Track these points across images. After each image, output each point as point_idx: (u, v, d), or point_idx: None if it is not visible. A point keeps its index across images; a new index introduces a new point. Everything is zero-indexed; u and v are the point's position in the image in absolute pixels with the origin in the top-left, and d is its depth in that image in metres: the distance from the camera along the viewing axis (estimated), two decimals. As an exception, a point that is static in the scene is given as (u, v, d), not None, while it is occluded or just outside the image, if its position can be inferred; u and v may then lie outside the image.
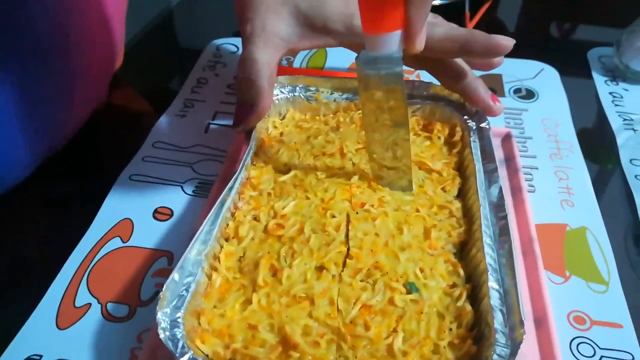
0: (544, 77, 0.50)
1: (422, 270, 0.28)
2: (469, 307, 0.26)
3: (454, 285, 0.27)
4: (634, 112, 0.46)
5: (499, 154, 0.40)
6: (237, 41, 0.54)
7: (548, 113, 0.46)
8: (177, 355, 0.23)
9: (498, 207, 0.30)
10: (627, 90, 0.48)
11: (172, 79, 0.51)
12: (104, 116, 0.46)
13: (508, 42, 0.32)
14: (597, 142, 0.44)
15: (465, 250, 0.29)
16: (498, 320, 0.24)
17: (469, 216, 0.31)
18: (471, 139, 0.35)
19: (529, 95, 0.48)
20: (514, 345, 0.23)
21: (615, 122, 0.45)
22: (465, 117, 0.36)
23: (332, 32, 0.34)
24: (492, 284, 0.26)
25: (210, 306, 0.27)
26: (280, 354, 0.25)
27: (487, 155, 0.33)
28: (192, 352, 0.23)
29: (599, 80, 0.50)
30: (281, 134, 0.38)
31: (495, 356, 0.23)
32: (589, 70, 0.51)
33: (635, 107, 0.46)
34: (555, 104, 0.47)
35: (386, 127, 0.30)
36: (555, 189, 0.39)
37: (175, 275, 0.26)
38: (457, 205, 0.32)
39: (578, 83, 0.50)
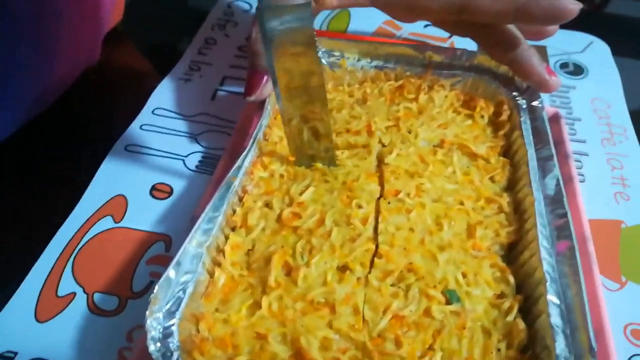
0: (593, 51, 0.45)
1: (464, 276, 0.23)
2: (521, 324, 0.22)
3: (502, 295, 0.23)
4: (697, 95, 0.40)
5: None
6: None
7: (598, 92, 0.40)
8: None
9: (555, 202, 0.25)
10: (688, 69, 0.43)
11: (178, 38, 0.46)
12: (98, 77, 0.41)
13: (575, 6, 0.27)
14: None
15: (514, 252, 0.25)
16: (560, 345, 0.20)
17: (519, 212, 0.26)
18: (521, 119, 0.30)
19: (577, 71, 0.42)
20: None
21: (675, 105, 0.39)
22: (514, 93, 0.31)
23: None
24: (552, 297, 0.21)
25: (212, 310, 0.22)
26: (294, 371, 0.21)
27: (541, 139, 0.28)
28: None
29: (655, 56, 0.44)
30: (298, 105, 0.33)
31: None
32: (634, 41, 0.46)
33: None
34: (607, 83, 0.41)
35: (301, 99, 0.25)
36: (608, 179, 0.34)
37: (170, 272, 0.22)
38: (507, 199, 0.27)
39: (632, 60, 0.44)
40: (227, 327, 0.22)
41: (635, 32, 0.48)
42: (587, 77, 0.42)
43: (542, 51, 0.44)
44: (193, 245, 0.23)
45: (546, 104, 0.38)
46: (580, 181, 0.34)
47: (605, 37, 0.46)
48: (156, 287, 0.21)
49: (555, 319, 0.21)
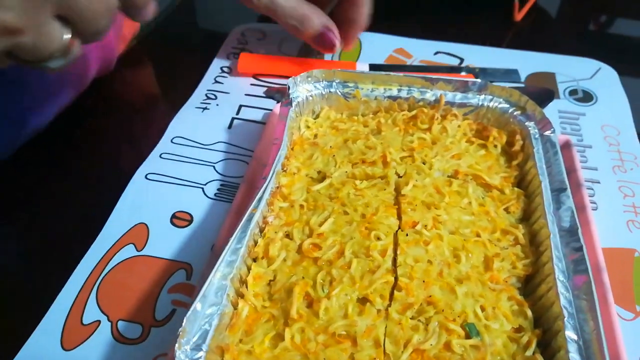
0: (601, 77, 0.45)
1: (482, 309, 0.24)
2: (541, 359, 0.22)
3: (520, 329, 0.24)
4: None
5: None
6: (263, 27, 0.50)
7: (608, 119, 0.41)
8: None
9: (571, 235, 0.26)
10: (696, 95, 0.44)
11: (193, 66, 0.47)
12: (116, 105, 0.42)
13: None
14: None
15: (531, 285, 0.25)
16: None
17: (535, 244, 0.27)
18: (534, 149, 0.30)
19: (587, 97, 0.43)
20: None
21: (683, 131, 0.40)
22: (527, 123, 0.32)
23: None
24: (570, 333, 0.22)
25: (236, 341, 0.23)
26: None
27: (555, 169, 0.29)
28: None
29: (663, 82, 0.45)
30: (315, 135, 0.34)
31: None
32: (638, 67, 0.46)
33: None
34: (616, 109, 0.42)
35: None
36: (620, 207, 0.34)
37: (197, 305, 0.22)
38: (522, 230, 0.27)
39: (629, 82, 0.45)
40: (251, 359, 0.22)
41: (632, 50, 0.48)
42: (597, 103, 0.43)
43: (551, 78, 0.45)
44: (217, 277, 0.24)
45: (557, 130, 0.39)
46: (593, 209, 0.34)
47: (612, 60, 0.46)
48: (184, 321, 0.21)
49: (574, 355, 0.21)
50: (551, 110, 0.41)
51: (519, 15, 0.52)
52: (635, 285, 0.30)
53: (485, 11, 0.53)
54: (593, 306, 0.22)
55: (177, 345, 0.21)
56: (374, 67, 0.44)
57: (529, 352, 0.22)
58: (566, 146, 0.37)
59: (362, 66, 0.44)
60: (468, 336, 0.23)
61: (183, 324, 0.21)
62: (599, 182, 0.36)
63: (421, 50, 0.47)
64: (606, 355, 0.21)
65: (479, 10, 0.53)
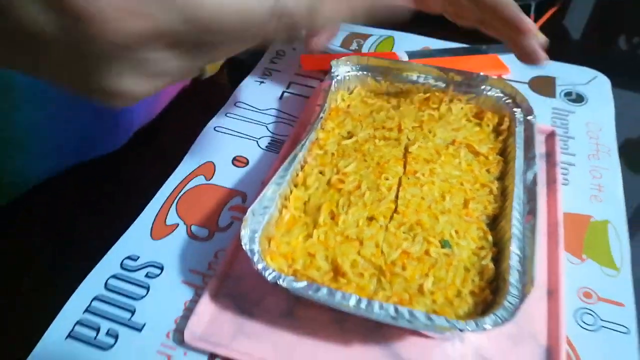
0: (596, 84, 0.53)
1: (456, 232, 0.33)
2: (491, 266, 0.31)
3: (482, 248, 0.33)
4: (677, 127, 0.48)
5: (541, 148, 0.44)
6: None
7: (593, 117, 0.49)
8: (255, 262, 0.29)
9: (530, 191, 0.34)
10: (675, 105, 0.51)
11: (255, 49, 0.57)
12: (195, 80, 0.53)
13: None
14: (635, 149, 0.47)
15: (496, 222, 0.34)
16: (514, 277, 0.29)
17: (504, 195, 0.36)
18: (517, 129, 0.39)
19: (579, 99, 0.51)
20: (523, 296, 0.28)
21: (657, 133, 0.48)
22: (514, 109, 0.41)
23: None
24: (514, 249, 0.31)
25: (279, 235, 0.33)
26: (332, 278, 0.31)
27: (529, 144, 0.38)
28: (265, 263, 0.30)
29: (650, 93, 0.53)
30: (348, 106, 0.43)
31: (506, 303, 0.28)
32: (635, 79, 0.54)
33: (680, 122, 0.49)
34: (602, 110, 0.50)
35: None
36: (588, 185, 0.43)
37: (255, 205, 0.32)
38: (496, 185, 0.36)
39: (630, 95, 0.53)
40: (289, 247, 0.32)
41: (634, 68, 0.56)
42: (586, 104, 0.51)
43: (550, 81, 0.53)
44: (270, 191, 0.33)
45: (547, 124, 0.48)
46: (565, 184, 0.42)
47: (610, 72, 0.54)
48: (247, 212, 0.31)
49: (514, 262, 0.30)
50: (546, 106, 0.50)
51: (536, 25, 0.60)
52: (585, 241, 0.38)
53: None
54: (533, 237, 0.31)
55: (242, 225, 0.31)
56: (411, 55, 0.53)
57: (484, 262, 0.31)
58: (551, 135, 0.46)
59: (401, 54, 0.54)
60: (443, 247, 0.32)
61: (246, 214, 0.31)
62: (574, 165, 0.44)
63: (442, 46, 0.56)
64: (534, 266, 0.29)
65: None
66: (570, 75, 0.54)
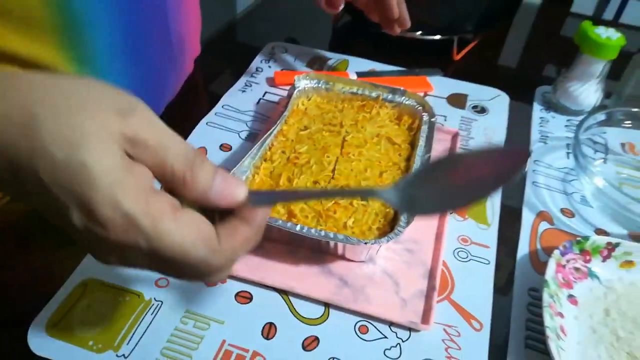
0: (498, 100, 0.70)
1: (372, 191, 0.49)
2: (392, 212, 0.47)
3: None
4: (551, 132, 0.66)
5: (446, 144, 0.61)
6: (287, 45, 0.77)
7: (491, 124, 0.66)
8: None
9: (425, 163, 0.51)
10: (554, 117, 0.68)
11: (239, 66, 0.73)
12: (193, 86, 0.68)
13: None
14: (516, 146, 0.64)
15: (400, 186, 0.50)
16: (404, 218, 0.45)
17: (408, 169, 0.52)
18: (423, 127, 0.55)
19: (482, 110, 0.68)
20: (409, 223, 0.44)
21: (534, 136, 0.65)
22: (424, 114, 0.57)
23: None
24: (407, 200, 0.47)
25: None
26: (286, 219, 0.46)
27: (429, 137, 0.54)
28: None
29: (536, 108, 0.70)
30: (306, 109, 0.59)
31: (397, 229, 0.44)
32: (532, 101, 0.71)
33: (554, 129, 0.66)
34: (498, 119, 0.67)
35: None
36: (478, 171, 0.59)
37: (235, 169, 0.47)
38: (404, 163, 0.53)
39: (521, 108, 0.70)
40: (258, 199, 0.48)
41: (532, 91, 0.73)
42: (487, 114, 0.67)
43: (463, 98, 0.70)
44: (246, 162, 0.49)
45: (455, 127, 0.64)
46: (461, 169, 0.59)
47: (509, 90, 0.71)
48: (230, 173, 0.47)
49: (407, 208, 0.46)
50: (457, 115, 0.66)
51: (457, 56, 0.78)
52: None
53: (437, 52, 0.79)
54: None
55: (226, 181, 0.46)
56: (359, 74, 0.70)
57: (388, 210, 0.47)
58: (455, 135, 0.62)
59: (352, 74, 0.70)
60: (362, 201, 0.48)
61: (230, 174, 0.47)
62: (470, 157, 0.61)
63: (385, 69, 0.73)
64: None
65: (435, 51, 0.79)
66: (479, 93, 0.71)
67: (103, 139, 0.25)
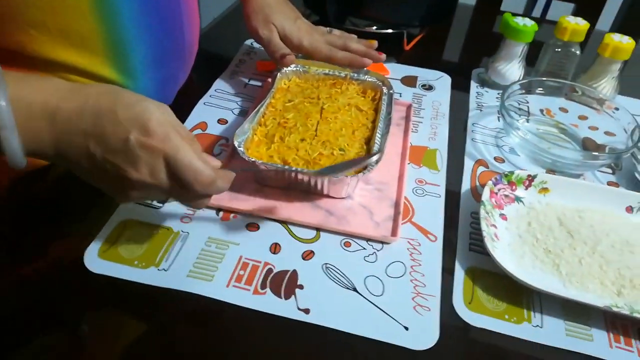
0: (442, 80, 0.85)
1: (348, 145, 0.62)
2: (365, 155, 0.60)
3: (360, 151, 0.62)
4: (485, 102, 0.81)
5: (402, 113, 0.75)
6: (264, 41, 0.89)
7: (437, 98, 0.81)
8: (242, 152, 0.56)
9: (386, 125, 0.64)
10: (487, 92, 0.84)
11: (226, 58, 0.86)
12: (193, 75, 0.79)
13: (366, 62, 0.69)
14: (458, 114, 0.78)
15: (370, 140, 0.64)
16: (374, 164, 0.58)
17: (374, 128, 0.65)
18: (384, 97, 0.69)
19: (430, 88, 0.83)
20: (379, 160, 0.57)
21: (472, 105, 0.80)
22: (384, 88, 0.71)
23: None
24: (375, 149, 0.60)
25: (253, 146, 0.60)
26: (288, 166, 0.58)
27: (389, 105, 0.68)
28: (247, 156, 0.57)
29: (473, 85, 0.85)
30: (288, 87, 0.72)
31: (365, 171, 0.57)
32: (469, 80, 0.87)
33: (487, 100, 0.81)
34: (442, 94, 0.82)
35: None
36: (428, 132, 0.73)
37: (238, 130, 0.59)
38: (370, 125, 0.66)
39: (461, 86, 0.85)
40: (258, 153, 0.60)
41: (469, 72, 0.89)
42: (434, 91, 0.82)
43: (414, 79, 0.85)
44: (246, 125, 0.61)
45: (409, 100, 0.79)
46: (415, 132, 0.73)
47: (451, 72, 0.87)
48: (236, 132, 0.58)
49: (374, 157, 0.59)
50: (410, 92, 0.81)
51: (407, 47, 0.93)
52: (423, 158, 0.68)
53: (392, 43, 0.93)
54: (386, 137, 0.61)
55: (234, 137, 0.58)
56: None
57: (361, 155, 0.60)
58: (409, 107, 0.76)
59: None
60: (340, 151, 0.61)
61: (236, 132, 0.59)
62: (422, 123, 0.75)
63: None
64: (383, 147, 0.59)
65: (390, 42, 0.93)
66: (426, 75, 0.86)
67: (156, 106, 0.44)
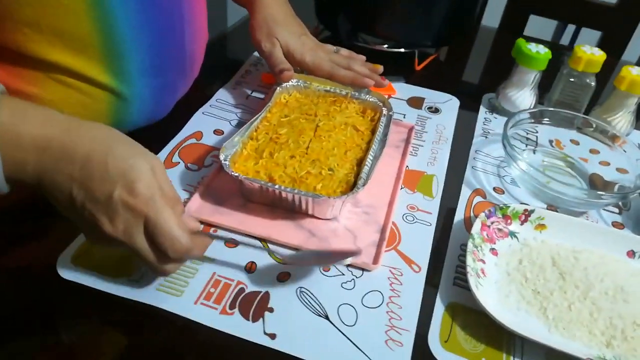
0: (450, 103, 0.83)
1: (338, 165, 0.60)
2: (352, 180, 0.58)
3: (350, 173, 0.60)
4: (492, 129, 0.78)
5: (403, 135, 0.73)
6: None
7: (442, 122, 0.78)
8: (226, 166, 0.55)
9: (381, 148, 0.62)
10: (495, 118, 0.81)
11: (232, 70, 0.85)
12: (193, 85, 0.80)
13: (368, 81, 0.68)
14: (462, 139, 0.76)
15: (362, 161, 0.62)
16: (360, 183, 0.56)
17: (368, 149, 0.63)
18: (382, 118, 0.67)
19: (436, 111, 0.81)
20: (361, 187, 0.55)
21: (477, 131, 0.77)
22: (383, 108, 0.69)
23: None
24: (363, 174, 0.58)
25: (241, 161, 0.59)
26: (271, 183, 0.57)
27: (387, 125, 0.66)
28: (231, 169, 0.56)
29: (482, 110, 0.83)
30: (287, 102, 0.71)
31: (353, 191, 0.55)
32: (479, 104, 0.84)
33: (495, 127, 0.79)
34: (448, 118, 0.79)
35: None
36: (428, 156, 0.71)
37: (226, 144, 0.59)
38: (364, 145, 0.64)
39: (470, 110, 0.82)
40: (245, 168, 0.59)
41: (474, 93, 0.86)
42: (440, 114, 0.80)
43: (421, 100, 0.82)
44: (236, 139, 0.60)
45: (413, 121, 0.77)
46: (414, 155, 0.71)
47: (461, 95, 0.84)
48: (224, 145, 0.58)
49: (363, 178, 0.57)
50: (415, 114, 0.79)
51: (418, 67, 0.91)
52: (419, 183, 0.66)
53: (403, 62, 0.92)
54: (377, 160, 0.59)
55: (221, 151, 0.57)
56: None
57: (349, 178, 0.59)
58: (411, 129, 0.74)
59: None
60: (329, 171, 0.59)
61: (223, 147, 0.58)
62: (422, 146, 0.73)
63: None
64: (370, 172, 0.57)
65: (401, 61, 0.92)
66: (434, 97, 0.84)
67: (148, 164, 0.43)
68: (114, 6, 0.54)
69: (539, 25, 1.23)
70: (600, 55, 0.75)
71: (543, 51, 0.76)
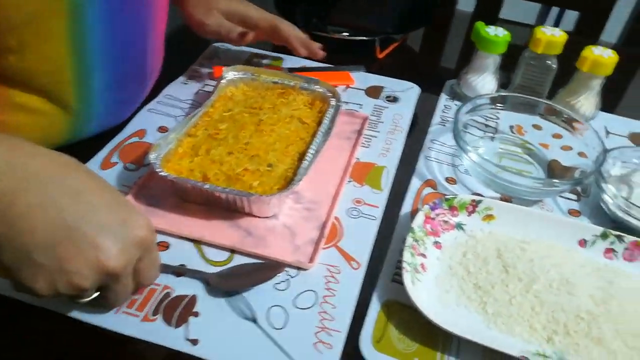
0: (410, 92, 0.80)
1: (278, 160, 0.58)
2: (292, 175, 0.56)
3: (289, 168, 0.58)
4: (451, 117, 0.75)
5: (356, 126, 0.71)
6: (228, 46, 0.86)
7: (399, 111, 0.75)
8: (156, 167, 0.53)
9: (324, 140, 0.60)
10: (456, 105, 0.78)
11: (185, 64, 0.83)
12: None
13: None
14: (419, 128, 0.73)
15: (302, 158, 0.59)
16: (297, 179, 0.54)
17: (312, 142, 0.61)
18: (330, 110, 0.65)
19: (394, 100, 0.78)
20: (298, 181, 0.53)
21: (435, 119, 0.75)
22: (332, 99, 0.67)
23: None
24: (302, 168, 0.56)
25: (175, 159, 0.57)
26: (202, 182, 0.55)
27: (333, 117, 0.63)
28: (162, 169, 0.54)
29: (443, 97, 0.80)
30: (232, 95, 0.69)
31: (288, 188, 0.53)
32: (440, 91, 0.81)
33: (453, 114, 0.76)
34: (407, 107, 0.77)
35: None
36: (380, 148, 0.68)
37: (161, 141, 0.57)
38: (309, 138, 0.62)
39: (431, 98, 0.80)
40: (179, 167, 0.57)
41: (437, 81, 0.83)
42: (398, 103, 0.77)
43: (379, 89, 0.80)
44: (171, 136, 0.58)
45: (368, 112, 0.74)
46: (366, 147, 0.68)
47: (424, 83, 0.81)
48: (154, 144, 0.56)
49: (302, 173, 0.55)
50: (371, 104, 0.76)
51: (380, 55, 0.88)
52: (367, 176, 0.64)
53: (365, 51, 0.89)
54: (319, 153, 0.56)
55: (150, 151, 0.55)
56: (291, 70, 0.80)
57: (288, 174, 0.56)
58: (365, 119, 0.72)
59: (284, 70, 0.80)
60: (268, 167, 0.57)
61: (154, 144, 0.56)
62: (376, 137, 0.70)
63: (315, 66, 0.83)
64: (310, 166, 0.55)
65: (363, 50, 0.89)
66: (394, 85, 0.81)
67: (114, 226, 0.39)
68: (89, 32, 0.53)
69: (521, 10, 1.20)
70: (560, 36, 0.72)
71: (502, 34, 0.73)
